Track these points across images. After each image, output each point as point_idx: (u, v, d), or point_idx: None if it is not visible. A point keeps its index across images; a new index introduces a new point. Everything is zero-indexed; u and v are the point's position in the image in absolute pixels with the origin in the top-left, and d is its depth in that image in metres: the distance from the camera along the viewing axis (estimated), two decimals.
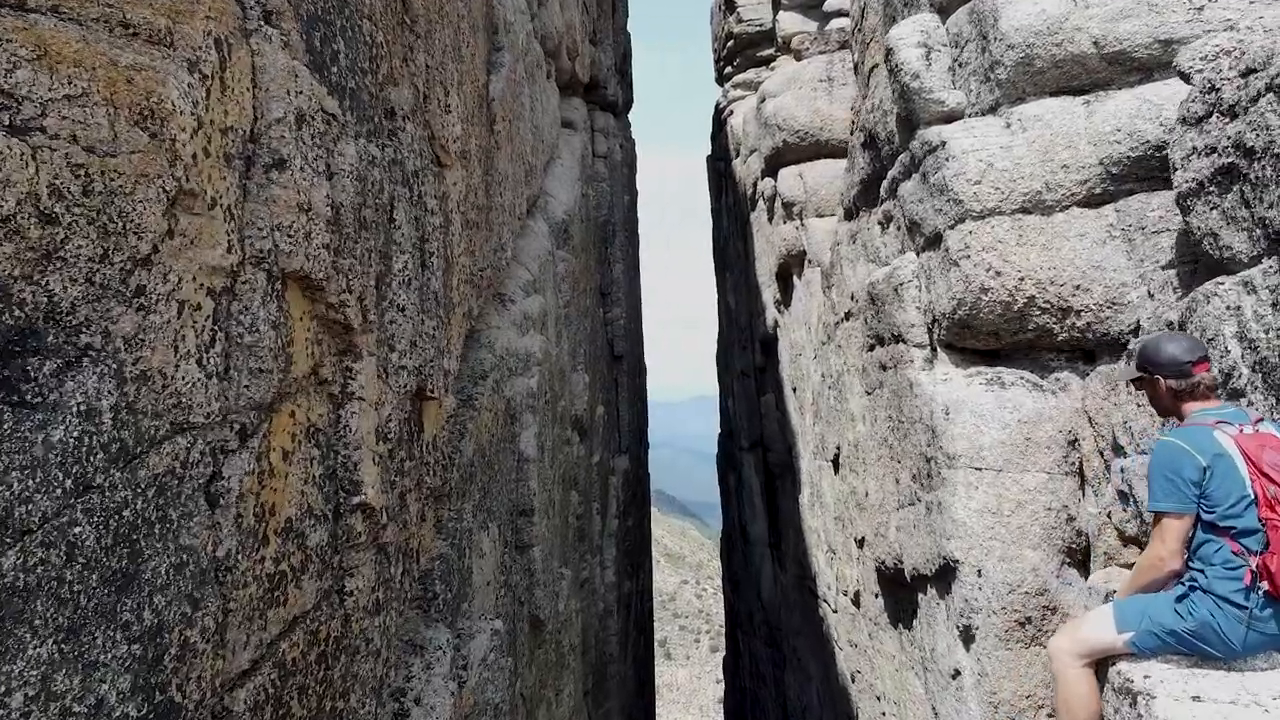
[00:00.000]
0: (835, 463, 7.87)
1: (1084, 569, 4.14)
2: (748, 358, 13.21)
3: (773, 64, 13.92)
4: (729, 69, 16.07)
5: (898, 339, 4.94)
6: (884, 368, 5.27)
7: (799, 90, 9.48)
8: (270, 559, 1.98)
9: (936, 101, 4.73)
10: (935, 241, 4.68)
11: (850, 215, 6.87)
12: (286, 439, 2.04)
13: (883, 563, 5.52)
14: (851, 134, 7.35)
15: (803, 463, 9.79)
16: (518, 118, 5.78)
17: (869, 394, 5.81)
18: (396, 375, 2.58)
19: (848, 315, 6.82)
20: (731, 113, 15.16)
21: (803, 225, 9.36)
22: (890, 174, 5.45)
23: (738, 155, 13.63)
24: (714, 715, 36.11)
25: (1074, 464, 4.10)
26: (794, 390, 10.19)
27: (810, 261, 9.23)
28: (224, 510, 1.79)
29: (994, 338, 4.45)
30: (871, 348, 5.59)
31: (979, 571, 4.05)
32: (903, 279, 4.79)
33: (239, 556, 1.84)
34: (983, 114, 4.60)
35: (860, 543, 6.28)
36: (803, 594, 10.18)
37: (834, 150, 9.29)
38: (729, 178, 14.79)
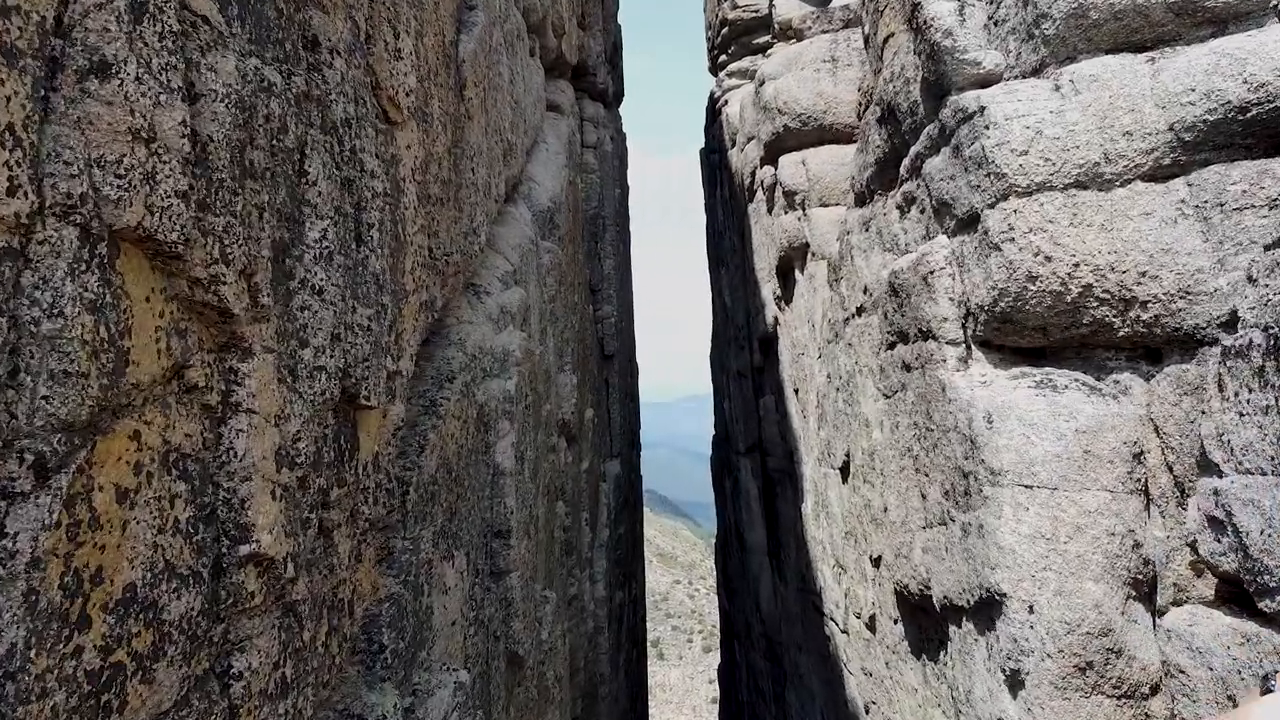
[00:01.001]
0: (844, 471, 7.27)
1: (1149, 602, 3.54)
2: (745, 357, 12.61)
3: (769, 51, 13.33)
4: (723, 57, 15.46)
5: (925, 335, 4.34)
6: (908, 368, 4.67)
7: (800, 72, 8.88)
8: (95, 648, 1.36)
9: (972, 63, 4.13)
10: (971, 223, 4.08)
11: (862, 201, 6.27)
12: (124, 472, 1.41)
13: (905, 587, 4.92)
14: (862, 113, 6.75)
15: (806, 469, 9.20)
16: (494, 88, 5.15)
17: (887, 397, 5.21)
18: (311, 379, 1.95)
19: (859, 310, 6.22)
20: (726, 102, 14.56)
21: (805, 216, 8.76)
22: (913, 150, 4.85)
23: (733, 145, 13.03)
24: (706, 715, 36.50)
25: (1139, 481, 3.51)
26: (795, 392, 9.59)
27: (814, 254, 8.63)
28: (2, 585, 1.17)
29: (1041, 334, 3.85)
30: (891, 345, 4.99)
31: (1030, 607, 3.45)
32: (932, 266, 4.18)
33: (33, 653, 1.23)
34: (1025, 76, 4.00)
35: (876, 562, 5.68)
36: (805, 608, 9.59)
37: (839, 135, 8.70)
38: (724, 169, 14.19)
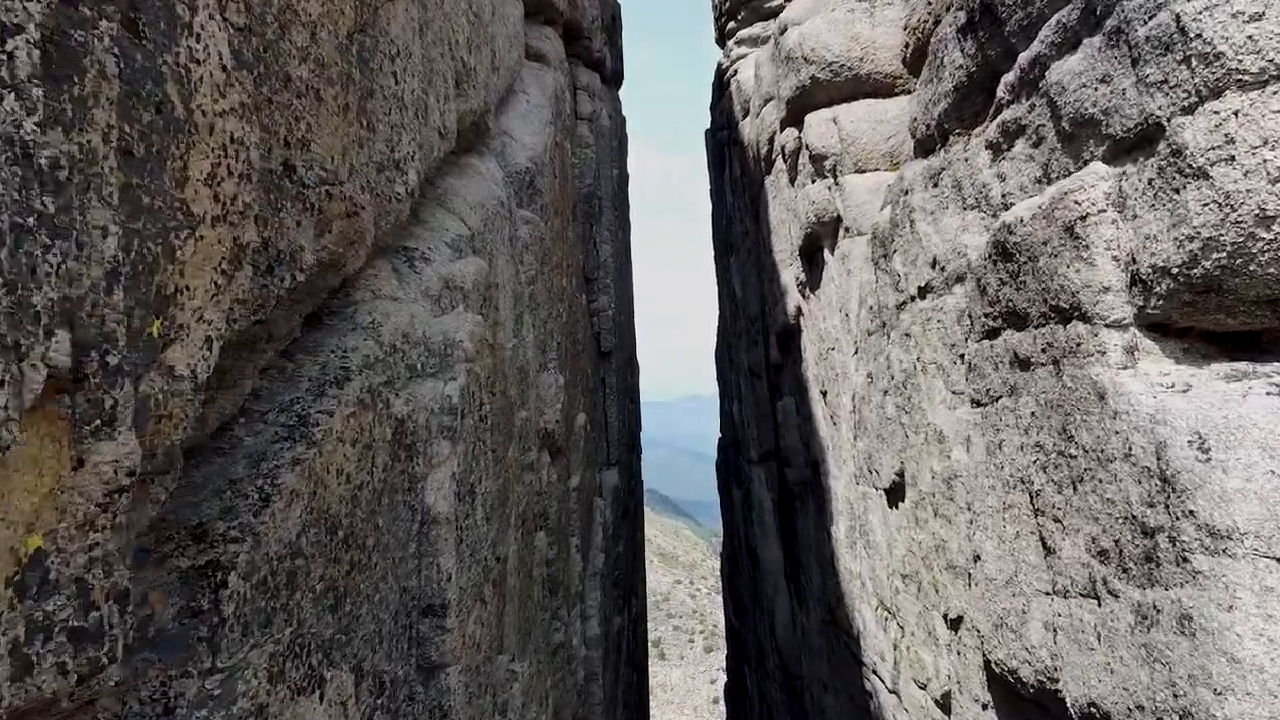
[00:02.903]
0: (892, 493, 5.86)
1: None
2: (759, 354, 11.20)
3: (781, 16, 11.91)
4: (731, 24, 14.06)
5: (1064, 315, 2.92)
6: (1023, 364, 3.26)
7: (831, 13, 7.47)
8: None
9: None
10: (1142, 144, 2.67)
11: (927, 148, 4.86)
12: None
13: (1007, 669, 3.52)
14: (910, 57, 5.34)
15: (836, 486, 7.78)
16: None
17: (979, 404, 3.80)
18: None
19: (924, 291, 4.81)
20: (735, 71, 13.15)
21: (837, 184, 7.35)
22: (1025, 56, 3.43)
23: (746, 115, 11.62)
24: (707, 716, 36.80)
25: None
26: (823, 394, 8.18)
27: (848, 230, 7.22)
28: None
29: (1270, 309, 2.44)
30: (991, 333, 3.58)
31: None
32: (1084, 209, 2.75)
33: None
34: None
35: (954, 623, 4.28)
36: (833, 645, 8.18)
37: (877, 87, 7.28)
38: (734, 145, 12.77)
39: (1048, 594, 3.18)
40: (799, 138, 7.88)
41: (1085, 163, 3.01)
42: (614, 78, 14.30)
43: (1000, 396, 3.51)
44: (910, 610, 5.07)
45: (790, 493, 9.93)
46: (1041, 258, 2.99)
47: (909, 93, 7.27)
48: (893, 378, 5.53)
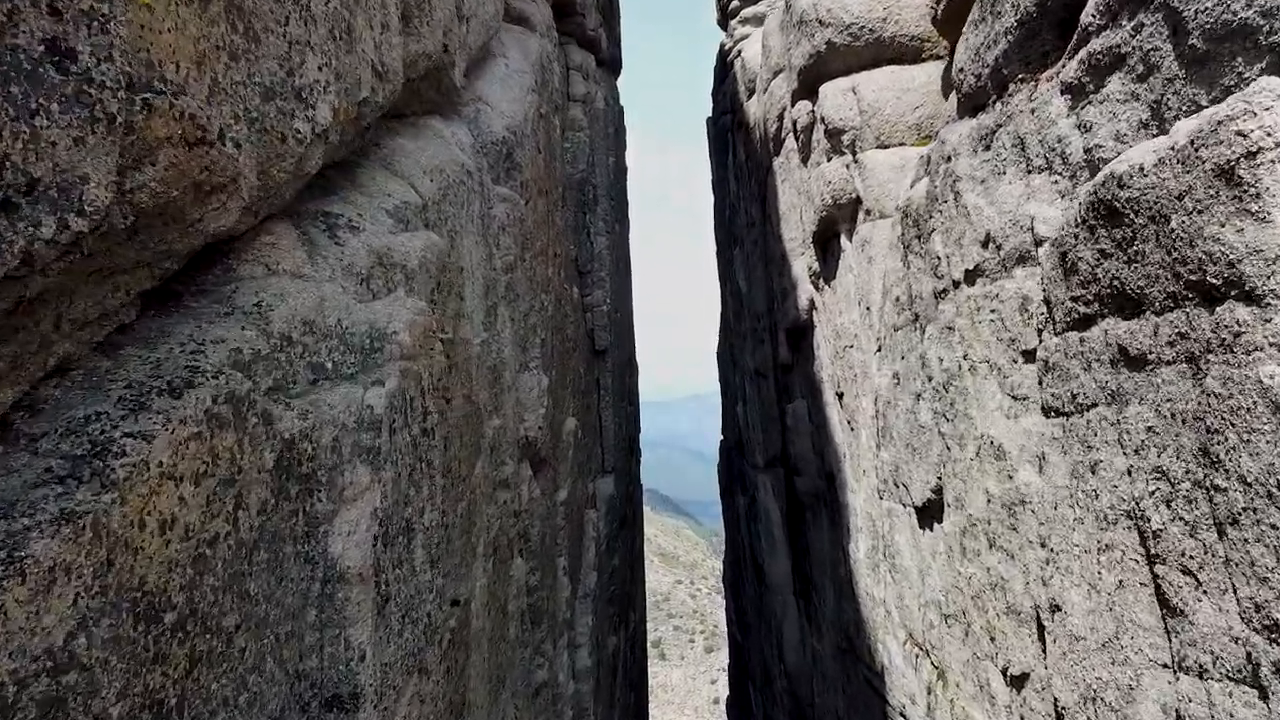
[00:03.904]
0: (926, 512, 5.07)
1: None
2: (766, 352, 10.40)
3: None
4: (734, 3, 13.26)
5: (1216, 294, 2.11)
6: (1135, 362, 2.46)
7: None
8: None
9: None
10: None
11: (977, 104, 4.06)
12: None
13: None
14: (939, 15, 4.54)
15: (854, 500, 6.98)
16: None
17: (1058, 414, 3.00)
18: None
19: (972, 276, 4.01)
20: (739, 52, 12.35)
21: (856, 162, 6.55)
22: None
23: (751, 95, 10.83)
24: (708, 716, 36.61)
25: None
26: (838, 396, 7.38)
27: (869, 212, 6.42)
28: None
29: None
30: (1084, 322, 2.77)
31: None
32: (1256, 140, 1.94)
33: None
34: None
35: (1018, 681, 3.47)
36: (849, 675, 7.38)
37: (902, 52, 6.48)
38: (738, 130, 11.98)
39: (1169, 668, 2.38)
40: (813, 111, 7.08)
41: (1228, 89, 2.21)
42: (611, 64, 13.52)
43: (1094, 404, 2.71)
44: (954, 655, 4.27)
45: (800, 503, 9.13)
46: (1174, 216, 2.18)
47: (938, 58, 6.48)
48: (929, 379, 4.73)
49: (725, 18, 13.82)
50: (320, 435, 2.15)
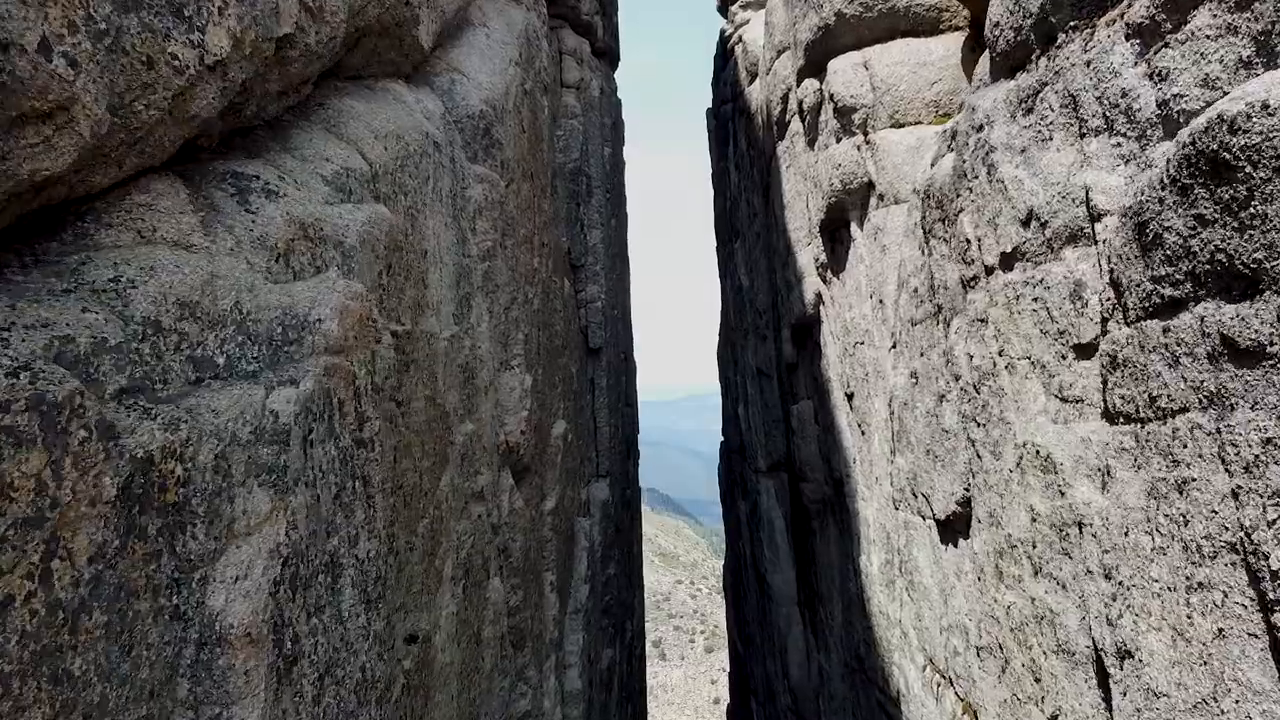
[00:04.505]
0: (949, 526, 4.57)
1: None
2: (769, 350, 9.88)
3: None
4: None
5: None
6: (1245, 355, 1.94)
7: None
8: None
9: None
10: None
11: (1015, 63, 3.55)
12: None
13: None
14: None
15: (866, 509, 6.47)
16: None
17: (1129, 420, 2.48)
18: None
19: (1010, 259, 3.50)
20: (740, 37, 11.84)
21: (868, 143, 6.04)
22: None
23: (754, 79, 10.32)
24: (708, 716, 36.51)
25: None
26: (848, 397, 6.86)
27: (882, 197, 5.90)
28: None
29: None
30: (1169, 308, 2.26)
31: None
32: None
33: None
34: None
35: None
36: (860, 699, 6.87)
37: (918, 22, 5.97)
38: (739, 118, 11.46)
39: None
40: (820, 89, 6.56)
41: None
42: (608, 55, 13.01)
43: (1182, 409, 2.19)
44: (988, 694, 3.75)
45: (805, 511, 8.61)
46: None
47: (958, 29, 5.96)
48: (955, 378, 4.22)
49: (725, 3, 13.30)
50: (197, 451, 1.63)
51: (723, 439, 15.57)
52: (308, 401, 1.99)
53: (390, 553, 2.73)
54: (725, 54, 13.10)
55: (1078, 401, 3.00)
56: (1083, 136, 3.00)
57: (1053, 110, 3.18)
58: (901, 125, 5.89)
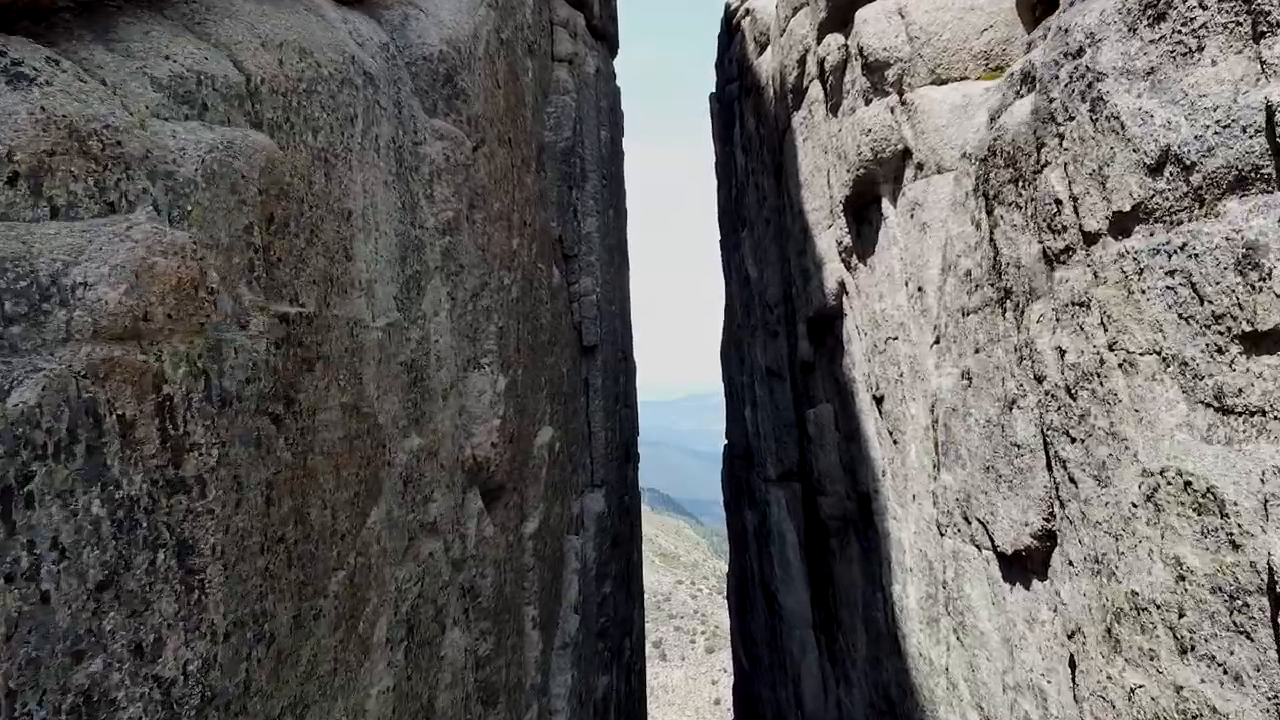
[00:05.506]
0: (1018, 562, 3.68)
1: None
2: (780, 348, 8.99)
3: None
4: None
5: None
6: None
7: None
8: None
9: None
10: None
11: None
12: None
13: None
14: None
15: (901, 532, 5.58)
16: None
17: None
18: None
19: (1126, 221, 2.61)
20: (748, 11, 10.96)
21: (903, 103, 5.15)
22: None
23: (763, 50, 9.43)
24: (709, 717, 36.10)
25: None
26: (876, 400, 5.97)
27: (921, 166, 5.02)
28: None
29: None
30: None
31: None
32: None
33: None
34: None
35: None
36: None
37: None
38: (746, 96, 10.57)
39: None
40: (846, 45, 5.67)
41: None
42: (605, 37, 12.14)
43: None
44: None
45: (822, 527, 7.72)
46: None
47: None
48: (1037, 380, 3.32)
49: None
50: None
51: (726, 441, 14.68)
52: (25, 421, 1.10)
53: (256, 641, 1.84)
54: (730, 30, 12.21)
55: (1251, 413, 2.12)
56: (1260, 37, 2.12)
57: (1203, 7, 2.29)
58: (944, 81, 5.00)
